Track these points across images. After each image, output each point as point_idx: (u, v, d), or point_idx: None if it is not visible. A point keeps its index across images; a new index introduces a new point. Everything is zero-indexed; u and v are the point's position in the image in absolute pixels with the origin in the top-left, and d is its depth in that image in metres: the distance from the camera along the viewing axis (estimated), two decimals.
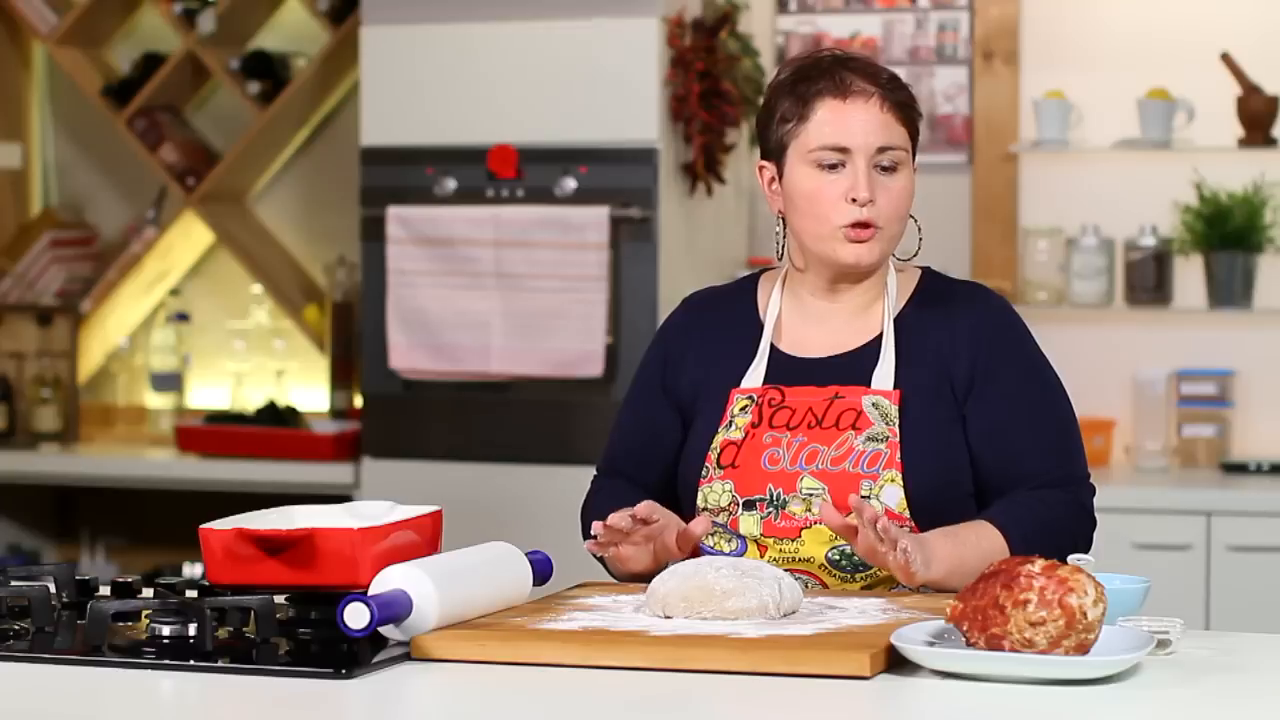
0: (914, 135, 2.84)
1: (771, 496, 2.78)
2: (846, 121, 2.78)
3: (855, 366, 2.84)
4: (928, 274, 2.93)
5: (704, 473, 2.83)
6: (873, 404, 2.80)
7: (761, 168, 2.89)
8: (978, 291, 2.91)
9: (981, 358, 2.82)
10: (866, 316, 2.88)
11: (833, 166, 2.79)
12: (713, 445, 2.84)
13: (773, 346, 2.89)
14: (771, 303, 2.92)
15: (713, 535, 2.83)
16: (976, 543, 2.69)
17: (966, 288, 2.92)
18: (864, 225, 2.79)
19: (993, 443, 2.79)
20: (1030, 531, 2.72)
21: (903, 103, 2.81)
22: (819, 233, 2.81)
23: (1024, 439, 2.79)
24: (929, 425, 2.79)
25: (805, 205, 2.81)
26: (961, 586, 2.59)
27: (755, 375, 2.87)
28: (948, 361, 2.82)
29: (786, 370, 2.86)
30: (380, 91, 4.97)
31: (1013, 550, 2.70)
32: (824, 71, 2.81)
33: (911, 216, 2.88)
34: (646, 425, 2.95)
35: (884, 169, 2.80)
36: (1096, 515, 2.83)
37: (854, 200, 2.78)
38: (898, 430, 2.77)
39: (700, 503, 2.83)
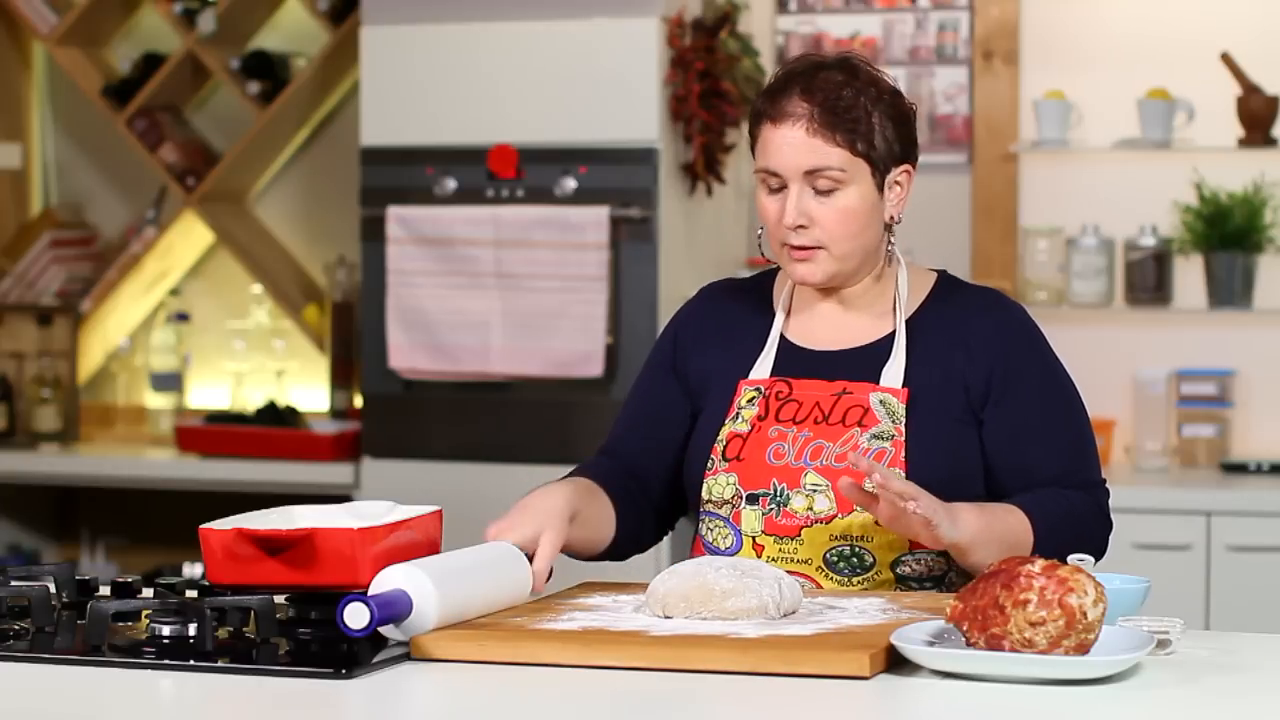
0: (864, 151, 2.77)
1: (775, 491, 2.78)
2: (776, 147, 2.78)
3: (864, 362, 2.84)
4: (943, 277, 2.93)
5: (709, 465, 2.84)
6: (880, 401, 2.80)
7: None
8: (995, 297, 2.91)
9: (1000, 365, 2.81)
10: (877, 313, 2.88)
11: (775, 189, 2.80)
12: (719, 438, 2.84)
13: (782, 337, 2.89)
14: (785, 295, 2.92)
15: (711, 530, 2.84)
16: (1004, 517, 2.70)
17: (983, 292, 2.92)
18: (802, 247, 2.79)
19: (1012, 448, 2.80)
20: (1055, 522, 2.73)
21: (836, 124, 2.76)
22: (774, 249, 2.84)
23: (1043, 444, 2.80)
24: (937, 426, 2.78)
25: (762, 222, 2.84)
26: (984, 558, 2.62)
27: (763, 366, 2.87)
28: (963, 365, 2.82)
29: (795, 361, 2.86)
30: (380, 91, 4.97)
31: (1036, 535, 2.70)
32: (774, 90, 2.81)
33: (896, 221, 2.85)
34: (653, 404, 2.95)
35: (821, 191, 2.78)
36: None
37: (785, 225, 2.79)
38: (904, 429, 2.77)
39: (705, 495, 2.83)
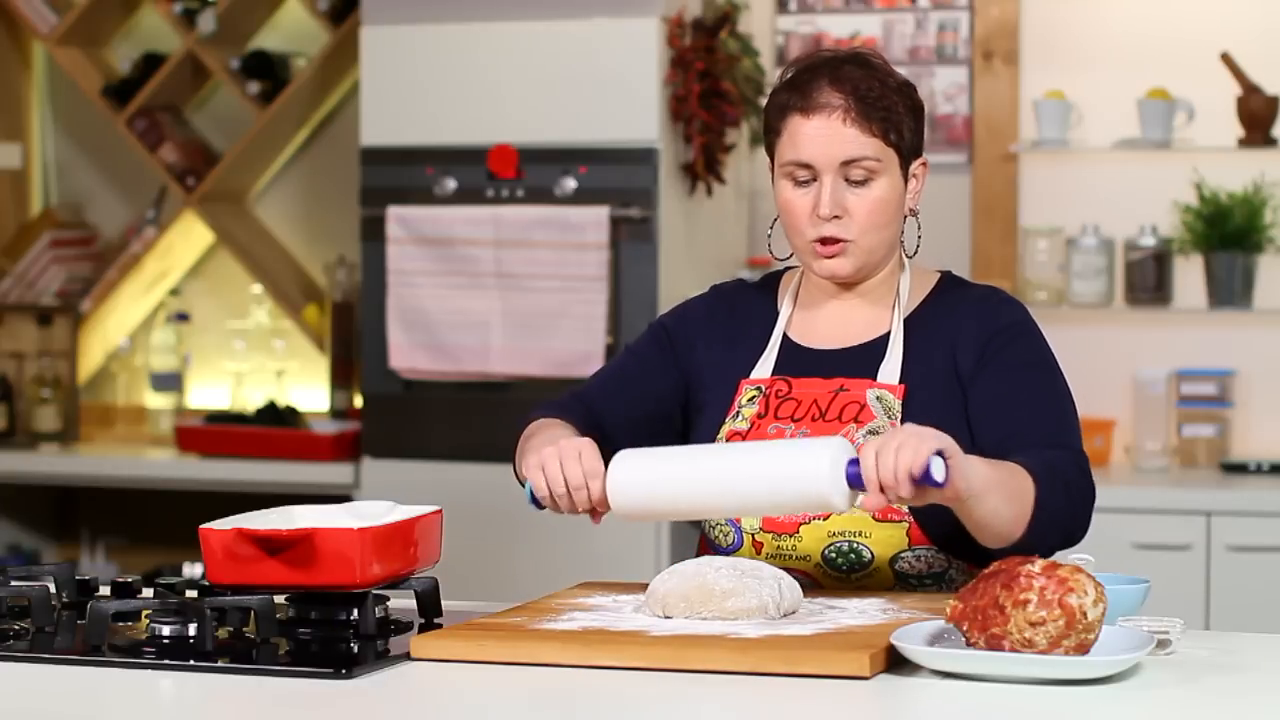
0: (895, 142, 2.80)
1: None
2: (809, 138, 2.78)
3: (863, 360, 2.84)
4: (947, 277, 2.93)
5: None
6: (876, 397, 2.80)
7: (770, 166, 2.90)
8: (994, 294, 2.90)
9: (989, 348, 2.81)
10: (878, 312, 2.88)
11: (803, 181, 2.80)
12: (719, 436, 2.84)
13: (785, 336, 2.90)
14: (789, 295, 2.93)
15: (714, 527, 2.84)
16: (1009, 467, 2.64)
17: (983, 290, 2.91)
18: (832, 240, 2.79)
19: (993, 415, 2.78)
20: (1050, 469, 2.66)
21: (871, 114, 2.77)
22: (797, 244, 2.84)
23: (1023, 411, 2.77)
24: (932, 421, 2.77)
25: (784, 217, 2.84)
26: (994, 506, 2.57)
27: (765, 366, 2.88)
28: (955, 357, 2.82)
29: (796, 360, 2.87)
30: (380, 91, 4.97)
31: (1038, 488, 2.63)
32: (800, 83, 2.80)
33: (914, 213, 2.87)
34: (638, 365, 2.95)
35: (854, 181, 2.79)
36: (1095, 515, 2.83)
37: (820, 216, 2.78)
38: (899, 424, 2.77)
39: None
